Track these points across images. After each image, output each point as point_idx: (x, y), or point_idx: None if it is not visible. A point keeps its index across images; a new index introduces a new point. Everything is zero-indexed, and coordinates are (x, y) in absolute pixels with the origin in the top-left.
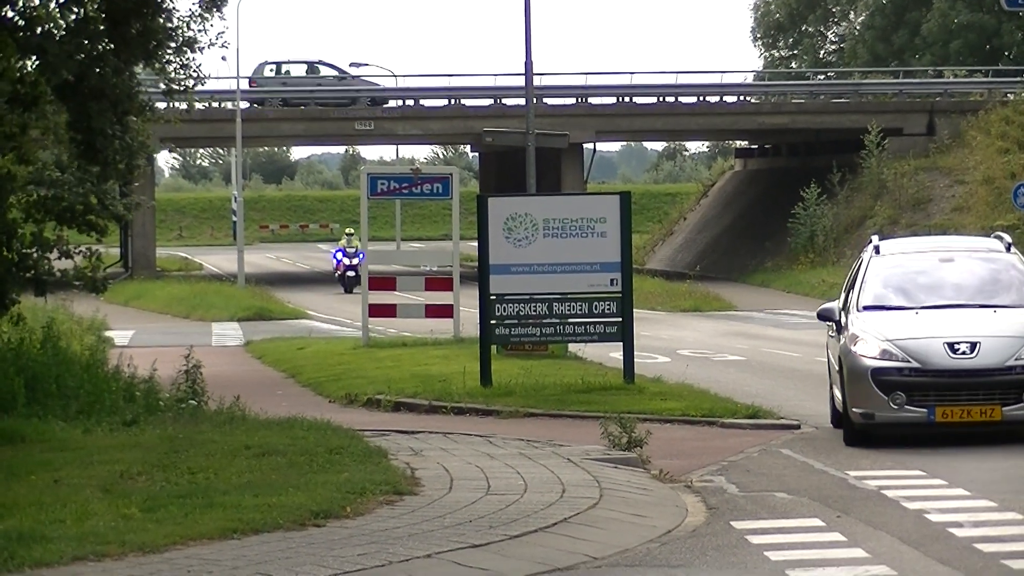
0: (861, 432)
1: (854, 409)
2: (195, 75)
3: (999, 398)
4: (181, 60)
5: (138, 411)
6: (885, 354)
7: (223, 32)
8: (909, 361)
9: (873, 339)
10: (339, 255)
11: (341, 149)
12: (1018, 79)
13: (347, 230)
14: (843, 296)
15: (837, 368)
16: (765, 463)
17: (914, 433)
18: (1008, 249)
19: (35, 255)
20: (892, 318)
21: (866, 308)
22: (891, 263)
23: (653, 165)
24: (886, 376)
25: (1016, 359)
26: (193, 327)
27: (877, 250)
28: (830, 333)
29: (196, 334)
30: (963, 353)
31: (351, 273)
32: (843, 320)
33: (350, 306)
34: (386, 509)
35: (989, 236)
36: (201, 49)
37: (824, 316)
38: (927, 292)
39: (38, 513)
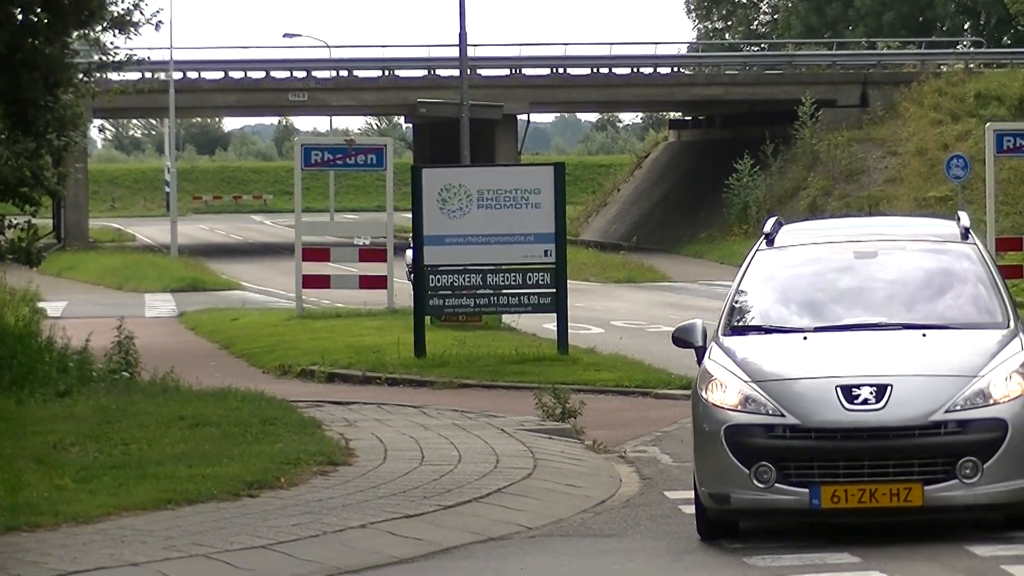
0: (716, 522)
1: (702, 487)
2: (129, 51)
3: (919, 472)
4: (115, 32)
5: (71, 382)
6: (748, 403)
7: (158, 12)
8: (782, 414)
9: (732, 380)
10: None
11: (274, 120)
12: (951, 51)
13: None
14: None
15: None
16: None
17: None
18: (965, 236)
19: None
20: (766, 347)
21: (733, 330)
22: (784, 260)
23: (587, 136)
24: (747, 437)
25: (947, 411)
26: (126, 298)
27: (769, 240)
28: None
29: (129, 305)
30: (865, 402)
31: None
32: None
33: (283, 277)
34: (320, 480)
35: (941, 216)
36: (136, 24)
37: (681, 341)
38: (828, 305)
39: None
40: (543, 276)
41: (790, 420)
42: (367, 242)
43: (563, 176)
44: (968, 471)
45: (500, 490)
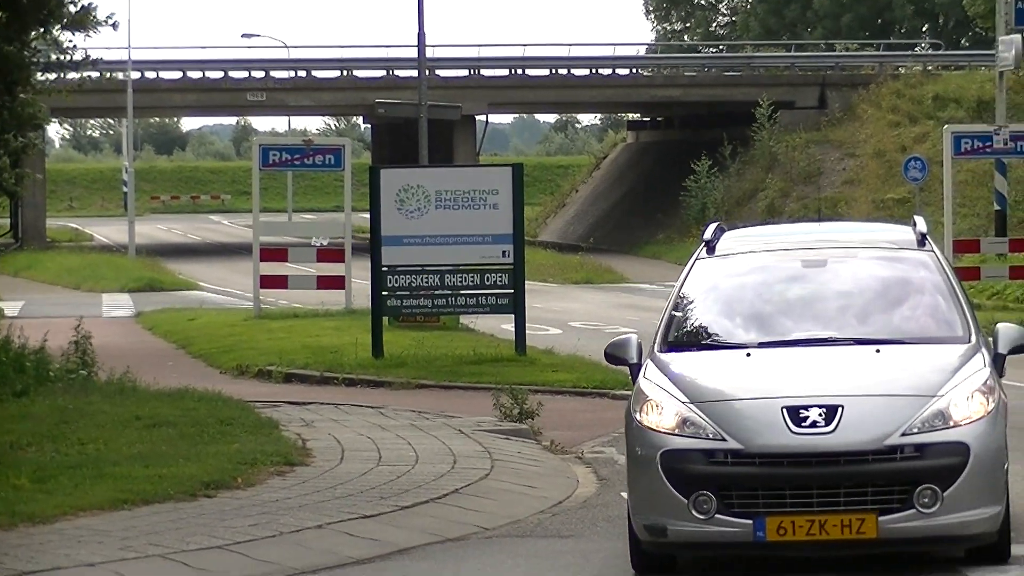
0: (651, 556)
1: (636, 518)
2: (86, 52)
3: (873, 502)
4: (74, 31)
5: (28, 382)
6: (686, 426)
7: (114, 14)
8: (724, 438)
9: (669, 400)
10: None
11: (233, 120)
12: (909, 53)
13: None
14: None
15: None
16: None
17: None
18: (922, 243)
19: None
20: (706, 364)
21: (671, 346)
22: (727, 269)
23: (545, 137)
24: (685, 463)
25: (904, 434)
26: (84, 298)
27: (710, 247)
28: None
29: (87, 305)
30: (814, 424)
31: None
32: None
33: (241, 277)
34: (277, 480)
35: (895, 221)
36: (96, 24)
37: (614, 358)
38: (774, 318)
39: None
40: (501, 277)
41: (732, 444)
42: (325, 242)
43: (521, 177)
44: (927, 500)
45: (457, 491)
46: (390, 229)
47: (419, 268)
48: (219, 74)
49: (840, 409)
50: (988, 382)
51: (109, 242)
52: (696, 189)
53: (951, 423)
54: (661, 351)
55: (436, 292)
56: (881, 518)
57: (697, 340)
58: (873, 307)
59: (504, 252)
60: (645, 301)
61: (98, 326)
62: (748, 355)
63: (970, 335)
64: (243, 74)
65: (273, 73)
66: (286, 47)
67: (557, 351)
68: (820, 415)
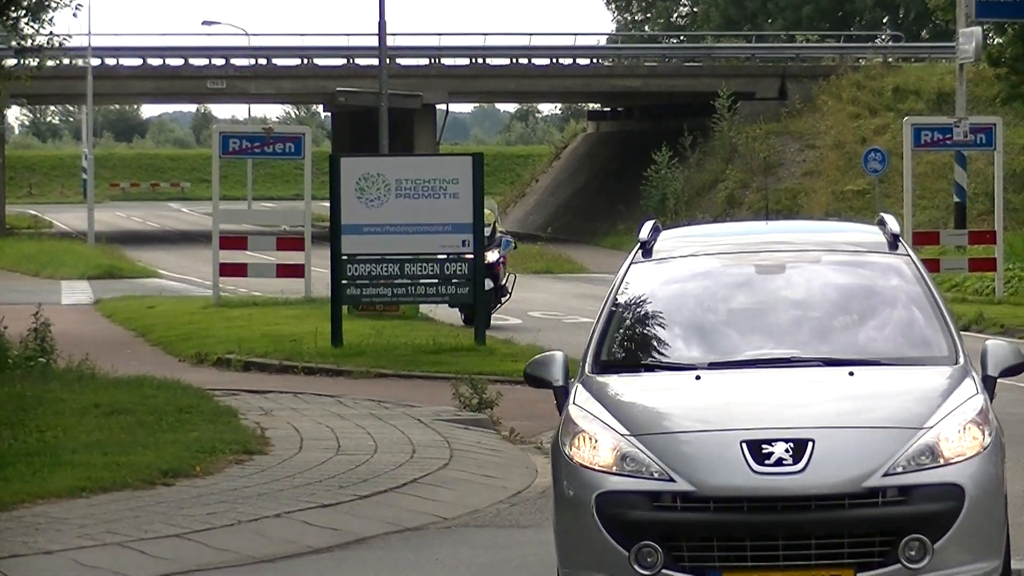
0: None
1: (565, 571)
2: (48, 36)
3: (850, 555)
4: (32, 17)
5: None
6: (626, 463)
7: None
8: (672, 478)
9: (605, 432)
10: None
11: (193, 107)
12: (869, 45)
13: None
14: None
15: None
16: None
17: None
18: (894, 245)
19: None
20: (648, 389)
21: (604, 367)
22: (666, 275)
23: (506, 127)
24: (626, 508)
25: (886, 474)
26: (43, 285)
27: (646, 250)
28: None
29: (46, 292)
30: (780, 462)
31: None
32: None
33: (200, 265)
34: (236, 468)
35: (858, 220)
36: (54, 8)
37: (536, 379)
38: (725, 334)
39: None
40: (461, 266)
41: (682, 486)
42: (285, 230)
43: (482, 166)
44: (914, 553)
45: (416, 480)
46: (350, 218)
47: (379, 257)
48: (179, 61)
49: (810, 444)
50: (983, 411)
51: (68, 229)
52: (656, 180)
53: (941, 461)
54: (593, 372)
55: (396, 281)
56: (860, 575)
57: (636, 360)
58: (842, 322)
59: (464, 241)
60: (605, 291)
61: (57, 313)
62: (697, 378)
63: (956, 355)
64: (203, 61)
65: (233, 61)
66: (246, 35)
67: (516, 341)
68: (787, 451)
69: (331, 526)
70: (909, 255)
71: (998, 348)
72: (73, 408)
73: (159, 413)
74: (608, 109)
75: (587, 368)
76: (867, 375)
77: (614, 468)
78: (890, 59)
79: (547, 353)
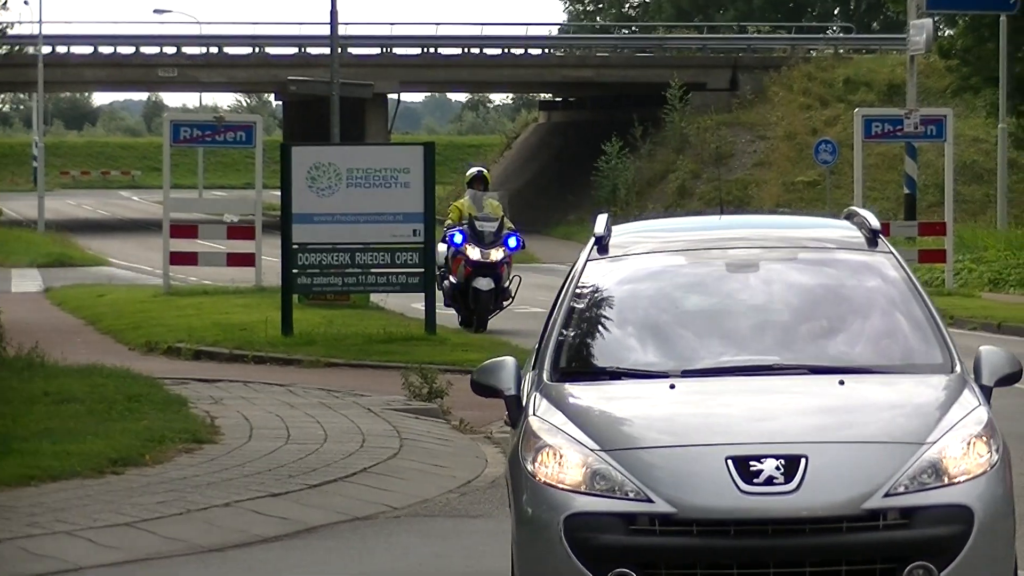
0: None
1: None
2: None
3: None
4: None
5: None
6: (598, 481)
7: None
8: (649, 498)
9: (572, 447)
10: (457, 237)
11: (144, 96)
12: (821, 36)
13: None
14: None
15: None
16: None
17: None
18: (873, 242)
19: None
20: (617, 399)
21: (566, 374)
22: (627, 273)
23: (457, 116)
24: (597, 532)
25: (888, 494)
26: None
27: (601, 246)
28: (505, 421)
29: None
30: (770, 481)
31: (484, 283)
32: (524, 397)
33: (151, 254)
34: (185, 457)
35: (833, 215)
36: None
37: (484, 388)
38: (699, 338)
39: None
40: (412, 256)
41: (661, 507)
42: (235, 220)
43: (433, 156)
44: None
45: (366, 469)
46: (301, 207)
47: (329, 246)
48: (130, 49)
49: (803, 460)
50: (989, 425)
51: (19, 217)
52: (607, 170)
53: (946, 480)
54: (553, 380)
55: (346, 270)
56: None
57: (600, 367)
58: (827, 326)
59: (415, 231)
60: (556, 281)
61: (6, 301)
62: (672, 387)
63: (952, 362)
64: (154, 50)
65: (185, 49)
66: (198, 23)
67: (467, 330)
68: (777, 468)
69: (281, 515)
70: (892, 253)
71: (993, 355)
72: (22, 396)
73: (109, 402)
74: (560, 99)
75: (545, 375)
76: (858, 384)
77: (583, 487)
78: (841, 50)
79: (496, 359)
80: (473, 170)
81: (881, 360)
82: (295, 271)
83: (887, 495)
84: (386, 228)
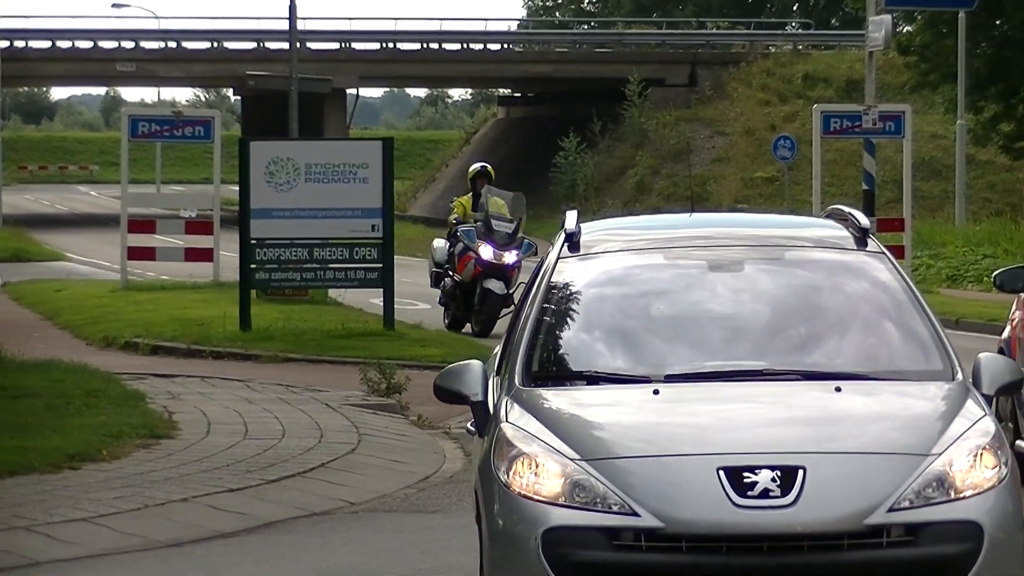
0: None
1: None
2: None
3: None
4: None
5: None
6: (578, 493)
7: None
8: (634, 512)
9: (551, 456)
10: (474, 242)
11: (102, 90)
12: (779, 32)
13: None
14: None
15: (478, 513)
16: None
17: None
18: (862, 242)
19: None
20: (597, 405)
21: (539, 379)
22: (601, 272)
23: (416, 112)
24: (578, 548)
25: (892, 508)
26: None
27: (572, 243)
28: (468, 426)
29: None
30: (765, 493)
31: (497, 286)
32: (495, 402)
33: (109, 248)
34: (143, 453)
35: (816, 214)
36: None
37: (448, 393)
38: (683, 341)
39: None
40: (370, 251)
41: (648, 521)
42: (193, 215)
43: (391, 151)
44: None
45: (324, 465)
46: (259, 202)
47: (288, 241)
48: (89, 44)
49: (801, 472)
50: (997, 436)
51: None
52: (566, 165)
53: (953, 494)
54: (526, 385)
55: (305, 266)
56: None
57: (576, 371)
58: (819, 329)
59: (374, 226)
60: None
61: None
62: (656, 392)
63: (953, 369)
64: (113, 44)
65: (143, 44)
66: (156, 18)
67: (426, 326)
68: (773, 480)
69: (238, 510)
70: (884, 253)
71: (992, 362)
72: None
73: (66, 397)
74: (519, 94)
75: (517, 380)
76: (855, 391)
77: (563, 499)
78: (800, 46)
79: (461, 362)
80: (476, 166)
81: (878, 366)
82: (253, 266)
83: (891, 510)
84: (345, 223)
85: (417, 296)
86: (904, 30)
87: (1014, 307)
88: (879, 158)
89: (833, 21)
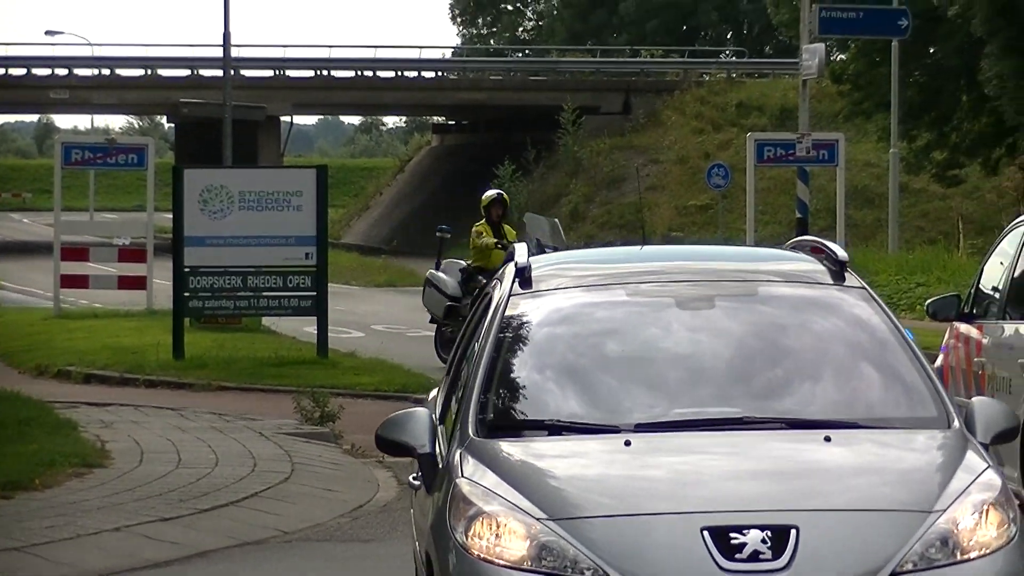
0: None
1: None
2: None
3: None
4: None
5: None
6: (546, 556)
7: None
8: None
9: (514, 515)
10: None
11: (35, 117)
12: (713, 60)
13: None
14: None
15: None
16: None
17: None
18: (840, 275)
19: None
20: (563, 457)
21: (495, 429)
22: (556, 310)
23: (350, 139)
24: None
25: (896, 572)
26: None
27: (524, 279)
28: (412, 480)
29: None
30: (755, 556)
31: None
32: (443, 455)
33: (42, 276)
34: (76, 481)
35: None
36: None
37: (391, 445)
38: (654, 386)
39: None
40: (304, 279)
41: None
42: (126, 242)
43: (325, 179)
44: None
45: (257, 494)
46: (193, 229)
47: (221, 269)
48: (22, 71)
49: (793, 532)
50: (1003, 490)
51: None
52: None
53: (959, 555)
54: (480, 436)
55: (238, 293)
56: None
57: (537, 420)
58: (804, 371)
59: (307, 254)
60: None
61: None
62: (627, 443)
63: (948, 415)
64: (46, 71)
65: (77, 71)
66: (90, 44)
67: (359, 354)
68: (763, 541)
69: (171, 540)
70: (864, 288)
71: (987, 408)
72: None
73: None
74: (453, 122)
75: (470, 430)
76: (847, 441)
77: (528, 563)
78: (734, 75)
79: (405, 411)
80: (491, 193)
81: (869, 413)
82: (187, 294)
83: (893, 574)
84: (278, 251)
85: (351, 324)
86: (838, 58)
87: (947, 335)
88: (813, 186)
89: (767, 49)
